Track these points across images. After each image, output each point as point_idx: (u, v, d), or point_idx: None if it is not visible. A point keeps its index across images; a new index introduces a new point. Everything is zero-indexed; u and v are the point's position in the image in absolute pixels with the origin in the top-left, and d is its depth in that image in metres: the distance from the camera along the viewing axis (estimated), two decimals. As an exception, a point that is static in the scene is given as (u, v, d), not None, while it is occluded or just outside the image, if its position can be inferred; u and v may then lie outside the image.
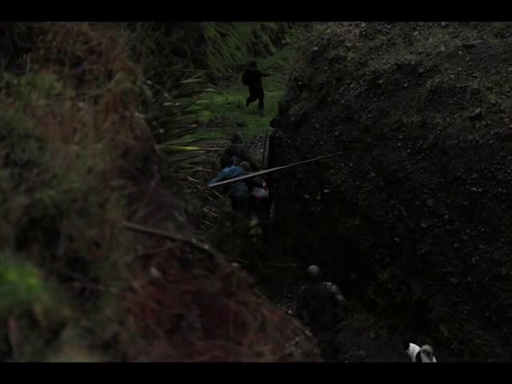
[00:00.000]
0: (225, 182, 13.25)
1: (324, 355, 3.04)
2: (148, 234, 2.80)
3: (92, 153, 2.71)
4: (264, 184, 15.52)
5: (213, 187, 10.19)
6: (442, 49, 12.18)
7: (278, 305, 12.97)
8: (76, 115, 2.98)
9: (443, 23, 12.70)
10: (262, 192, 15.45)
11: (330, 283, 11.38)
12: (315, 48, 14.28)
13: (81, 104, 3.12)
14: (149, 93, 3.76)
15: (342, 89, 13.43)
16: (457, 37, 12.33)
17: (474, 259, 11.24)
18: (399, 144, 12.23)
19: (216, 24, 23.49)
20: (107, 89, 3.25)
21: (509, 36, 11.93)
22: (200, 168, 5.99)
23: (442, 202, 11.64)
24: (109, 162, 2.74)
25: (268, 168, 15.01)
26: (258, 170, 15.56)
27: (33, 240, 2.37)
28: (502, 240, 11.01)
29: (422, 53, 12.41)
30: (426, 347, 10.20)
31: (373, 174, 12.66)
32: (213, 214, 7.69)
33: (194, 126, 5.70)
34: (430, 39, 12.52)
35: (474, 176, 11.23)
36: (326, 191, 13.15)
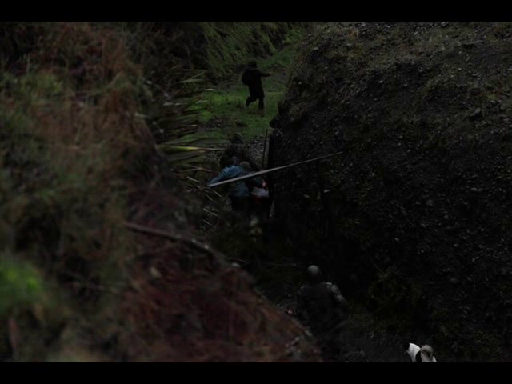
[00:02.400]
0: (225, 182, 13.25)
1: (324, 355, 3.04)
2: (148, 234, 2.80)
3: (92, 153, 2.71)
4: (264, 184, 15.52)
5: (213, 187, 10.19)
6: (442, 49, 12.18)
7: (278, 305, 12.97)
8: (76, 115, 2.98)
9: (443, 23, 12.70)
10: (262, 192, 15.45)
11: (330, 283, 11.39)
12: (315, 48, 14.29)
13: (81, 104, 3.11)
14: (149, 93, 3.76)
15: (342, 89, 13.43)
16: (457, 37, 12.33)
17: (473, 259, 11.23)
18: (399, 144, 12.23)
19: (216, 24, 23.50)
20: (107, 89, 3.25)
21: (509, 36, 11.92)
22: (200, 168, 5.99)
23: (442, 201, 11.63)
24: (109, 162, 2.74)
25: (268, 168, 15.01)
26: (258, 170, 15.56)
27: (33, 240, 2.37)
28: (502, 240, 11.01)
29: (421, 53, 12.40)
30: (426, 347, 10.20)
31: (373, 174, 12.66)
32: (213, 214, 7.69)
33: (194, 126, 5.70)
34: (430, 39, 12.51)
35: (473, 176, 11.22)
36: (326, 191, 13.15)
